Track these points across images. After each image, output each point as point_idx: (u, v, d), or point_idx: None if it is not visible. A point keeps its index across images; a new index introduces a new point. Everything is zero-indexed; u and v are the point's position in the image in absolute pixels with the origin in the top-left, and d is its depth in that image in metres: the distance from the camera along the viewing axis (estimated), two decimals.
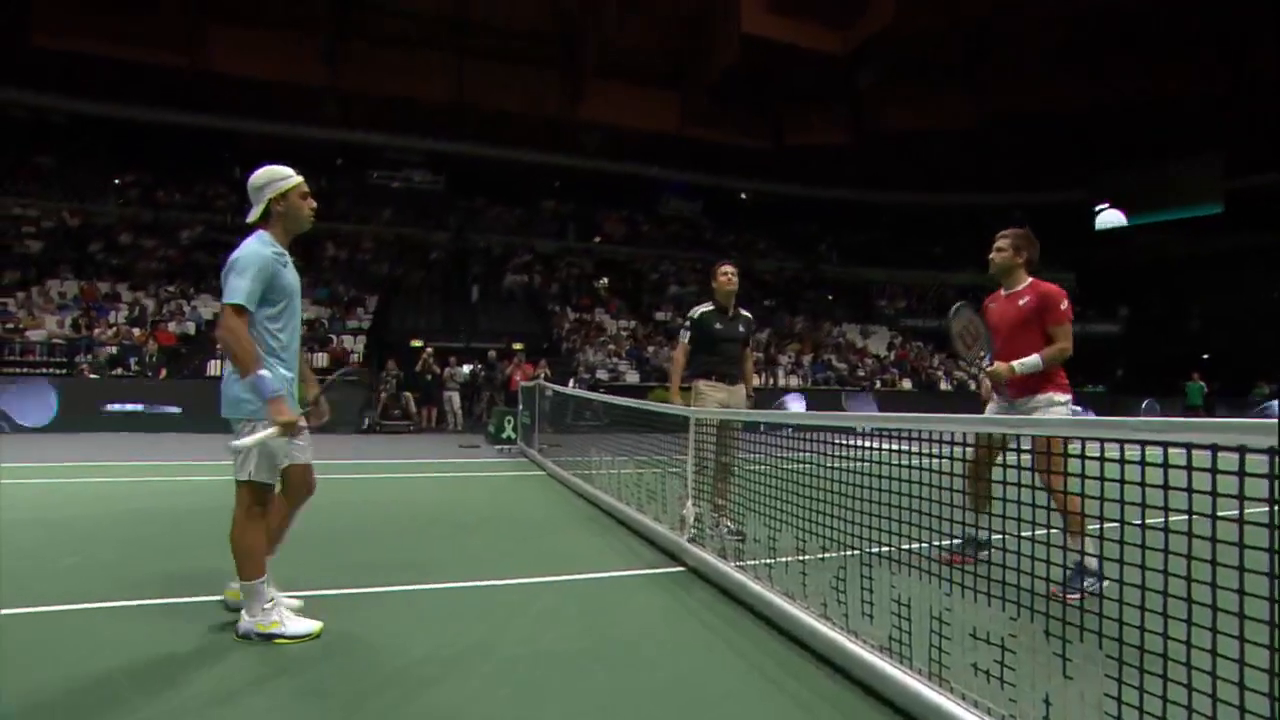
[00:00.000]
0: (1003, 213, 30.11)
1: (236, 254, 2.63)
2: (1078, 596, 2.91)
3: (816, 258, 30.41)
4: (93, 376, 14.03)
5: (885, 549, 2.39)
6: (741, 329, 4.73)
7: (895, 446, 2.58)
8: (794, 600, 2.78)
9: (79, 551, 4.01)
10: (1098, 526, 1.75)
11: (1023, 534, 1.89)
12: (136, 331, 16.17)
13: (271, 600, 2.67)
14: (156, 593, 3.24)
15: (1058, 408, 3.43)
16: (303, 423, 2.87)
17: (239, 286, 2.55)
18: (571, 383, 15.14)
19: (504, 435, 11.02)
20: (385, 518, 5.34)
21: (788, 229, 30.81)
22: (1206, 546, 1.42)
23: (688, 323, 4.75)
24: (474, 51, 23.37)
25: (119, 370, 14.76)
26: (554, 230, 27.80)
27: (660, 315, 23.30)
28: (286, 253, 2.76)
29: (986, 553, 2.99)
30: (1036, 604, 1.81)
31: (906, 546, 2.34)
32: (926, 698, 1.98)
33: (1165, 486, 1.48)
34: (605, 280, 25.06)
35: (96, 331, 15.92)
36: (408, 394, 15.09)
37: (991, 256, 3.72)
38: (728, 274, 4.67)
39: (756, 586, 3.02)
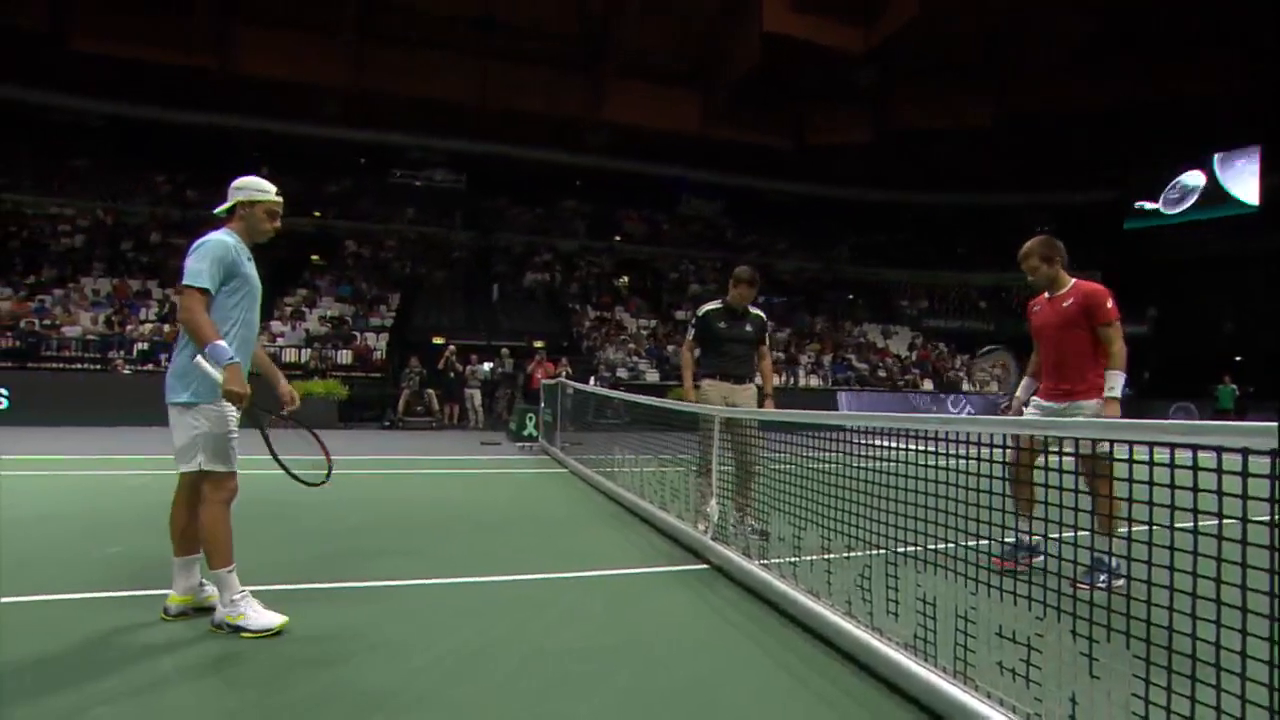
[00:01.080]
0: (1029, 212, 29.73)
1: (200, 240, 2.75)
2: (1101, 586, 2.95)
3: (836, 257, 30.24)
4: (126, 372, 14.38)
5: (911, 548, 2.41)
6: (749, 329, 4.66)
7: (921, 447, 2.59)
8: (819, 598, 2.80)
9: (123, 541, 4.14)
10: (1125, 528, 1.76)
11: (1050, 535, 1.90)
12: (166, 328, 16.53)
13: (241, 592, 2.70)
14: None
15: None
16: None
17: (199, 270, 2.66)
18: (592, 381, 15.21)
19: (525, 433, 11.11)
20: (409, 513, 5.43)
21: (809, 229, 30.66)
22: (1236, 549, 1.43)
23: (694, 319, 4.75)
24: (496, 52, 23.54)
25: (150, 366, 15.11)
26: (574, 229, 27.93)
27: (680, 314, 23.30)
28: (247, 249, 2.90)
29: (1042, 558, 3.00)
30: (1063, 603, 1.82)
31: (932, 546, 2.36)
32: (952, 696, 2.00)
33: (1195, 489, 1.49)
34: (626, 279, 25.14)
35: (129, 328, 16.30)
36: (430, 391, 15.27)
37: (1030, 279, 3.75)
38: (740, 293, 4.61)
39: (781, 584, 3.04)
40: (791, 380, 19.31)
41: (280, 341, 17.06)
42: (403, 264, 23.70)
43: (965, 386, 20.29)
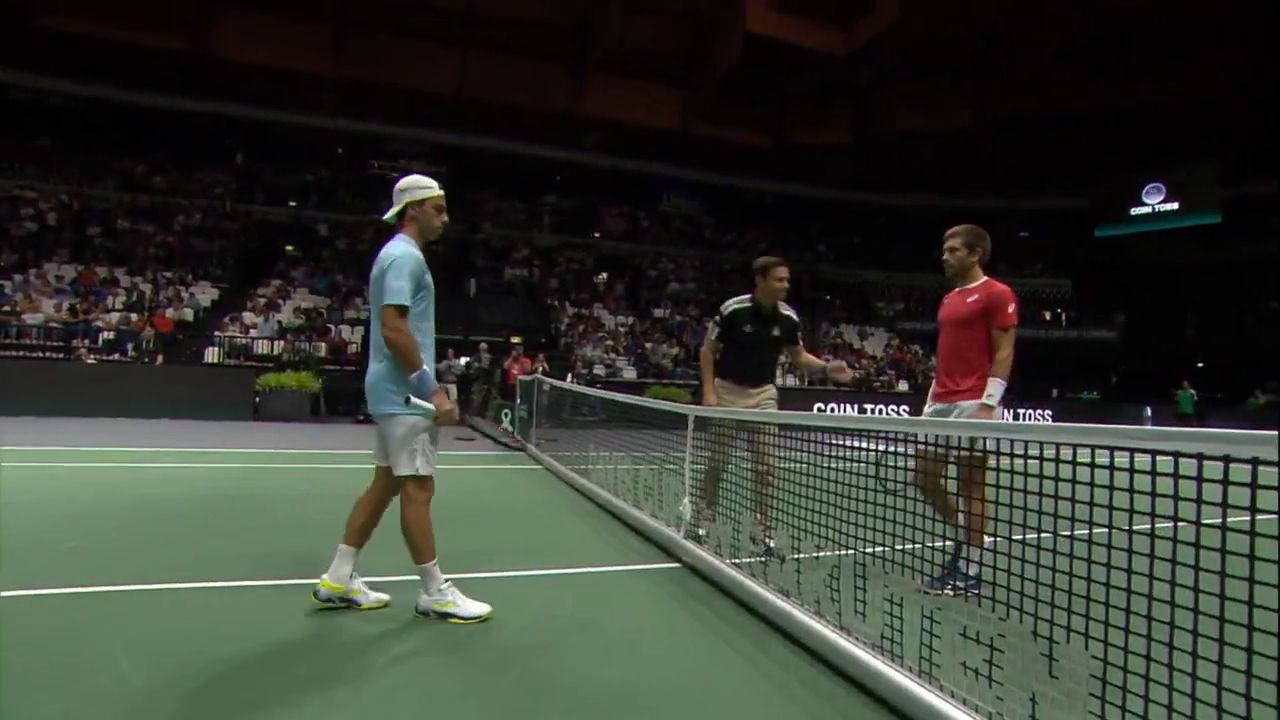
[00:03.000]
0: (1005, 217, 30.22)
1: (393, 255, 2.78)
2: (949, 594, 2.96)
3: (816, 258, 30.50)
4: (90, 361, 14.02)
5: (880, 549, 2.44)
6: (777, 332, 4.29)
7: (888, 448, 2.63)
8: (789, 598, 2.82)
9: (83, 535, 4.04)
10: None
11: (1014, 537, 1.93)
12: (134, 317, 16.15)
13: (447, 582, 2.86)
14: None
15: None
16: None
17: (401, 288, 2.73)
18: (569, 378, 15.16)
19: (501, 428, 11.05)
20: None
21: (787, 228, 30.88)
22: (1190, 553, 1.47)
23: (718, 318, 4.33)
24: (479, 44, 23.34)
25: (116, 355, 14.77)
26: (554, 224, 27.81)
27: (659, 312, 23.34)
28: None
29: (978, 588, 2.99)
30: (1025, 605, 1.86)
31: (900, 547, 2.39)
32: (918, 696, 2.03)
33: (1153, 494, 1.52)
34: (604, 275, 25.10)
35: (93, 316, 15.90)
36: None
37: (945, 258, 3.60)
38: (783, 279, 4.20)
39: (752, 584, 3.06)
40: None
41: (253, 333, 16.78)
42: None
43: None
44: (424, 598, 2.86)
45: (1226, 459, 1.35)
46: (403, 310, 2.73)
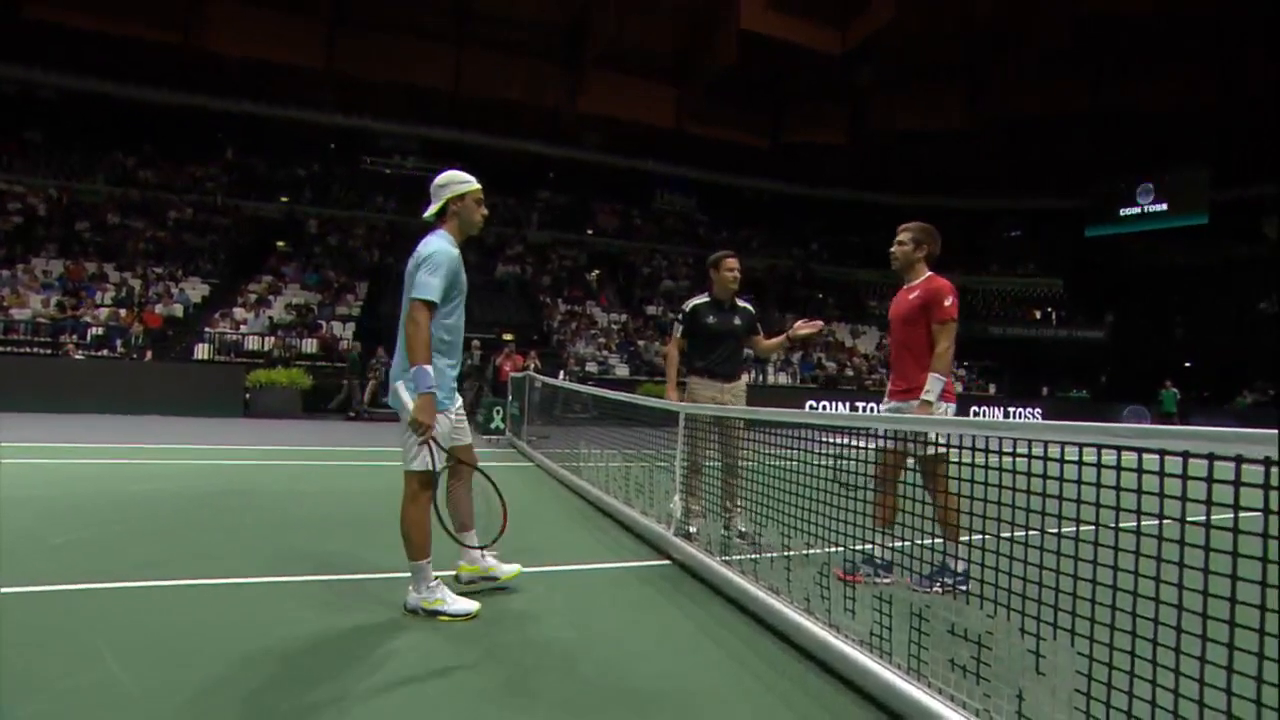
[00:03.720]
0: (998, 216, 30.39)
1: (429, 250, 2.76)
2: (938, 591, 2.91)
3: (808, 256, 30.55)
4: (78, 357, 13.90)
5: (869, 546, 2.44)
6: (738, 321, 4.47)
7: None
8: (778, 595, 2.83)
9: (70, 532, 4.01)
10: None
11: (1002, 534, 1.94)
12: (123, 313, 16.02)
13: (436, 580, 2.86)
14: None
15: (939, 412, 3.31)
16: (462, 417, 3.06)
17: (432, 284, 2.70)
18: (561, 375, 15.14)
19: (492, 425, 11.03)
20: (372, 505, 5.35)
21: (781, 226, 30.91)
22: (1175, 550, 1.48)
23: (680, 315, 4.55)
24: (474, 40, 23.26)
25: (104, 351, 14.65)
26: (547, 221, 27.75)
27: (652, 309, 23.34)
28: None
29: (890, 579, 2.93)
30: (1013, 602, 1.86)
31: (893, 545, 2.40)
32: (906, 693, 2.03)
33: (1139, 490, 1.53)
34: (598, 272, 25.07)
35: (81, 311, 15.76)
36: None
37: (892, 250, 3.61)
38: (733, 270, 4.43)
39: (742, 581, 3.06)
40: (760, 378, 19.48)
41: (243, 329, 16.67)
42: (371, 252, 23.30)
43: None
44: (412, 595, 2.85)
45: (1211, 456, 1.36)
46: (430, 306, 2.69)
